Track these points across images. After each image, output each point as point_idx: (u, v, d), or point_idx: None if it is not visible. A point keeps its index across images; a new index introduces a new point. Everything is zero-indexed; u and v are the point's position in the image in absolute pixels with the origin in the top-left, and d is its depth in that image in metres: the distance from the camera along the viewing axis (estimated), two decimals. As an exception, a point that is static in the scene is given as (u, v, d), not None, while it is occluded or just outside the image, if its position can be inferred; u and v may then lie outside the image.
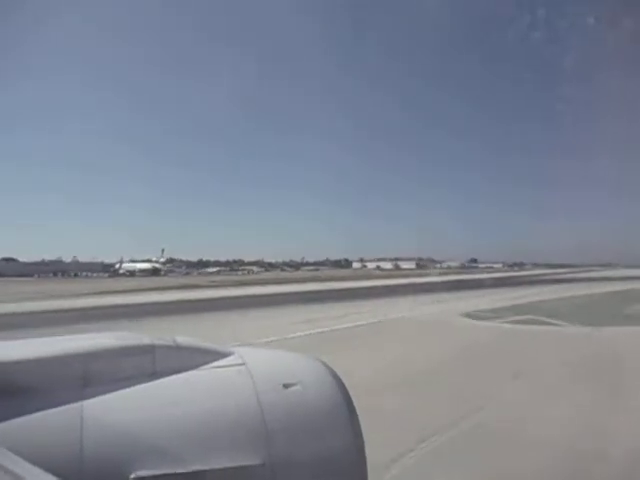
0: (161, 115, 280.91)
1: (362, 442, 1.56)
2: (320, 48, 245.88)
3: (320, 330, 15.22)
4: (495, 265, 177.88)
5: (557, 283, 51.01)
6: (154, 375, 1.52)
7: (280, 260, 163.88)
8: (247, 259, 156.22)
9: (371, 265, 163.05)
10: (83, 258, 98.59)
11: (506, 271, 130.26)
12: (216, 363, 1.64)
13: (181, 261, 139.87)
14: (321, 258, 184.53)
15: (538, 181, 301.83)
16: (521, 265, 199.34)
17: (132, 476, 1.25)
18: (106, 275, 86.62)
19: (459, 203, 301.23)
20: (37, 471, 1.03)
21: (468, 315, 18.89)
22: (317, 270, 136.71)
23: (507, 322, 16.66)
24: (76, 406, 1.34)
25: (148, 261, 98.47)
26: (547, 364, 9.99)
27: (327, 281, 61.62)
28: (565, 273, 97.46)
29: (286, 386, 1.58)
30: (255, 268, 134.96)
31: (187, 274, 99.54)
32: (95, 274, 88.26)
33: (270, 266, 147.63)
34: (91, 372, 1.44)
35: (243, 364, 1.65)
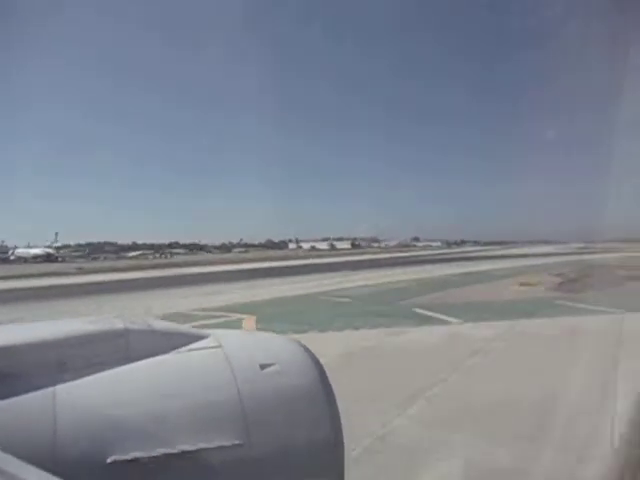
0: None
1: (339, 422, 1.56)
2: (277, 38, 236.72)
3: None
4: (433, 243, 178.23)
5: (446, 262, 48.62)
6: (128, 359, 1.49)
7: (222, 242, 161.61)
8: (187, 241, 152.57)
9: (307, 245, 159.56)
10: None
11: (434, 249, 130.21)
12: (191, 346, 1.61)
13: (114, 244, 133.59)
14: (269, 239, 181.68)
15: (488, 154, 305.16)
16: (461, 243, 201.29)
17: (109, 460, 1.23)
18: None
19: (413, 180, 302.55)
20: (7, 457, 0.99)
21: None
22: (246, 252, 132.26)
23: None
24: (49, 391, 1.31)
25: (49, 247, 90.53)
26: None
27: (219, 264, 57.86)
28: (482, 251, 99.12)
29: (263, 367, 1.56)
30: (181, 251, 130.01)
31: (94, 259, 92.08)
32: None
33: (200, 249, 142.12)
34: (64, 357, 1.42)
35: (219, 346, 1.62)
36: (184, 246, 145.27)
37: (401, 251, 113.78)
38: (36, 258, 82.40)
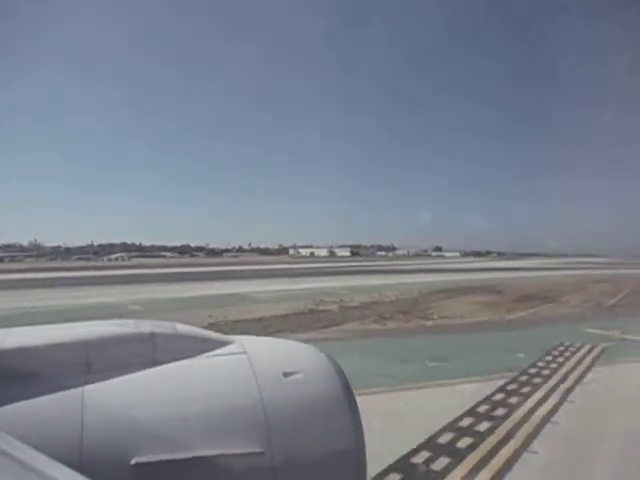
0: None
1: (362, 433, 1.55)
2: (317, 46, 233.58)
3: None
4: (447, 254, 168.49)
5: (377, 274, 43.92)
6: (155, 362, 1.52)
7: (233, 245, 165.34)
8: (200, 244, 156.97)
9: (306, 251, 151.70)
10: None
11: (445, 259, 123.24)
12: (217, 351, 1.64)
13: (128, 245, 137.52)
14: (280, 244, 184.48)
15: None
16: (486, 254, 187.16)
17: (133, 461, 1.26)
18: None
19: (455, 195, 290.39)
20: (37, 454, 1.01)
21: None
22: (235, 257, 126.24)
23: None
24: (77, 392, 1.35)
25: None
26: None
27: (157, 267, 56.91)
28: (471, 262, 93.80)
29: (286, 374, 1.57)
30: (168, 254, 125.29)
31: (52, 259, 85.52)
32: None
33: (189, 252, 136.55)
34: (92, 359, 1.46)
35: (244, 352, 1.65)
36: (187, 249, 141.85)
37: (404, 259, 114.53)
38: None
